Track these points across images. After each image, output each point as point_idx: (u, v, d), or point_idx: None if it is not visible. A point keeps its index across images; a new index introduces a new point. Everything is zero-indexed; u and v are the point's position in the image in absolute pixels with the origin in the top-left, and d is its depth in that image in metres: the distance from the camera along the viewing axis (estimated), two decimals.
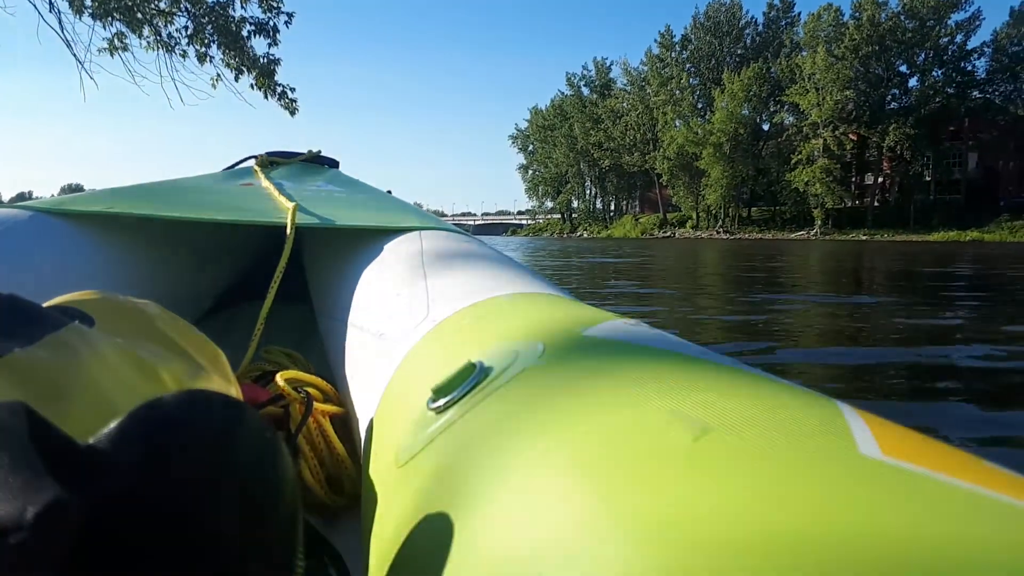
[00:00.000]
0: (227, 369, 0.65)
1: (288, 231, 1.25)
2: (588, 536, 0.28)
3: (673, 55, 58.85)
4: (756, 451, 0.30)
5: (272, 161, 2.19)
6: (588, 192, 72.22)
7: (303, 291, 1.81)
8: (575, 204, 73.99)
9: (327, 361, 1.24)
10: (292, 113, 8.37)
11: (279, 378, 0.90)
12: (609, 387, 0.41)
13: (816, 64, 46.59)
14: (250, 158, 2.22)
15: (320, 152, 2.37)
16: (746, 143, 51.15)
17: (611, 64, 70.87)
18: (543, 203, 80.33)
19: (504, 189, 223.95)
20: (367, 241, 1.32)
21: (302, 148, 2.38)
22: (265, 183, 1.72)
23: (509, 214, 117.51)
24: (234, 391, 0.64)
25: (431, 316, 0.79)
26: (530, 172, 78.47)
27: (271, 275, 1.19)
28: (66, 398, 0.41)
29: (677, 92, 57.52)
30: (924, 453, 0.30)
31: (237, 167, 2.20)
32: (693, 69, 57.85)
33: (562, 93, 72.85)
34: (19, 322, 0.47)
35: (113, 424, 0.35)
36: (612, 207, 71.48)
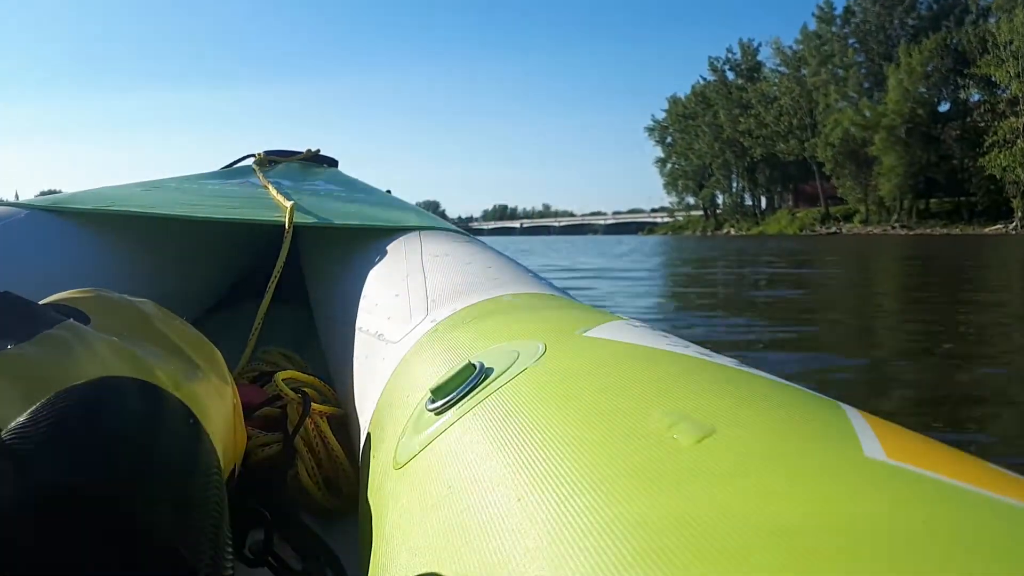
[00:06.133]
0: (224, 369, 0.65)
1: (286, 230, 1.25)
2: (588, 537, 0.28)
3: (834, 30, 53.04)
4: (760, 453, 0.30)
5: (271, 160, 2.17)
6: (735, 185, 67.05)
7: (301, 291, 1.78)
8: (720, 199, 68.97)
9: (325, 362, 1.23)
10: None
11: (277, 378, 0.90)
12: (611, 388, 0.41)
13: (1015, 29, 39.95)
14: (248, 157, 2.19)
15: (319, 151, 2.34)
16: (924, 125, 44.88)
17: (759, 45, 65.12)
18: (683, 199, 75.87)
19: (637, 186, 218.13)
20: (366, 241, 1.31)
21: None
22: (263, 182, 1.70)
23: (642, 212, 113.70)
24: (231, 391, 0.64)
25: (430, 316, 0.79)
26: (668, 166, 74.14)
27: (269, 274, 1.18)
28: None
29: (840, 71, 51.76)
30: (928, 456, 0.30)
31: (235, 166, 2.17)
32: (858, 44, 51.82)
33: (703, 79, 68.26)
34: (14, 319, 0.47)
35: (25, 414, 0.35)
36: (763, 201, 65.93)
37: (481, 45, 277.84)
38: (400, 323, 0.83)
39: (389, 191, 2.20)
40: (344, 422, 0.93)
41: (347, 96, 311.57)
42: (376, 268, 1.11)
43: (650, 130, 75.71)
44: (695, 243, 33.48)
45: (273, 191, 1.55)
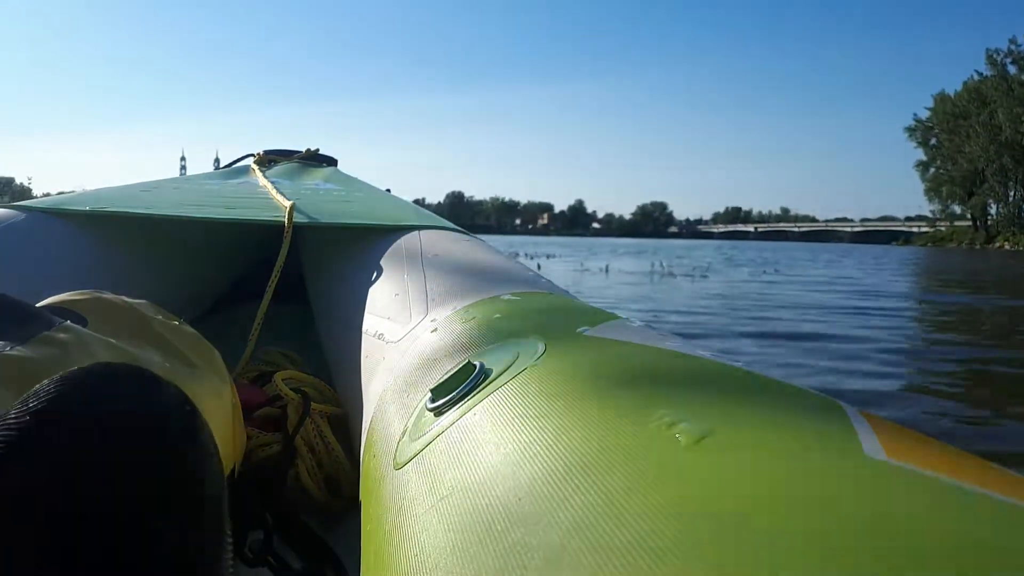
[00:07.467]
0: (223, 369, 0.65)
1: (286, 230, 1.25)
2: (588, 537, 0.28)
3: None
4: (760, 453, 0.30)
5: (270, 159, 2.19)
6: (1012, 194, 59.06)
7: (301, 291, 1.78)
8: (993, 209, 61.18)
9: (325, 361, 1.24)
10: None
11: (277, 378, 0.91)
12: (610, 388, 0.41)
13: None
14: (247, 156, 2.21)
15: (319, 150, 2.35)
16: None
17: None
18: (947, 207, 68.10)
19: (888, 191, 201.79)
20: (366, 240, 1.32)
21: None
22: (263, 181, 1.71)
23: (895, 220, 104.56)
24: (229, 391, 0.63)
25: (430, 316, 0.78)
26: (931, 170, 67.13)
27: (269, 274, 1.19)
28: None
29: None
30: (928, 455, 0.30)
31: (234, 165, 2.19)
32: None
33: (979, 74, 60.86)
34: (11, 321, 0.47)
35: (18, 402, 0.35)
36: None
37: (717, 39, 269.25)
38: (400, 323, 0.83)
39: (388, 190, 2.21)
40: (344, 422, 0.93)
41: (576, 100, 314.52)
42: (376, 267, 1.12)
43: (911, 130, 68.98)
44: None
45: (272, 191, 1.55)
